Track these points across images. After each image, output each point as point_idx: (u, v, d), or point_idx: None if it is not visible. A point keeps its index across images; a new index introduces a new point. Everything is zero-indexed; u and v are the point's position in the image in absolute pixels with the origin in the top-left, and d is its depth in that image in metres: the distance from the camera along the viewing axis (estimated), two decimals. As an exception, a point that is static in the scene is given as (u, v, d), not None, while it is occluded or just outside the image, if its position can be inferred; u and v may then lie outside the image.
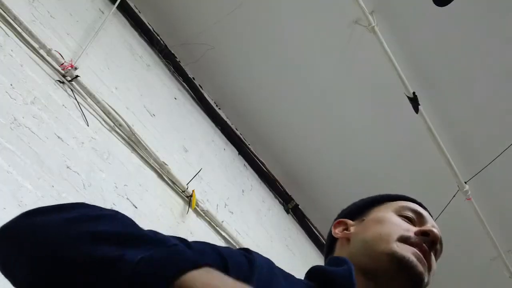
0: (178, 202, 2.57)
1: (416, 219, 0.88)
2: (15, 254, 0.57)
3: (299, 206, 3.70)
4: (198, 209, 2.67)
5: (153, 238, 0.55)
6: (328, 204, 3.70)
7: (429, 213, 0.92)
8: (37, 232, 0.56)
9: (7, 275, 0.59)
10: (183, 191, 2.60)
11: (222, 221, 2.82)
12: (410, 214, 0.88)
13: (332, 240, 0.94)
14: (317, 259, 3.80)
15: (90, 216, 0.58)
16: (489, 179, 3.19)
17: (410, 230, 0.84)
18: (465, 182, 3.17)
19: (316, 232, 3.83)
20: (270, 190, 3.54)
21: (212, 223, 2.76)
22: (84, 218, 0.57)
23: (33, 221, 0.58)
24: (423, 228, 0.84)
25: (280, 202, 3.62)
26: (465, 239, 3.39)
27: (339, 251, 0.90)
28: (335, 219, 0.97)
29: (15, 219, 0.60)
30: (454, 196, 3.17)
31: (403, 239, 0.81)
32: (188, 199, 2.61)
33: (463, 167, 3.15)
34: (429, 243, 0.82)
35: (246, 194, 3.23)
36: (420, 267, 0.78)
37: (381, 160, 3.35)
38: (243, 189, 3.21)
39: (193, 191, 2.62)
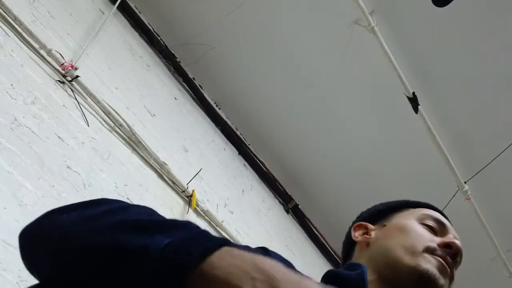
0: (178, 202, 2.57)
1: (438, 229, 0.87)
2: (39, 252, 0.58)
3: (299, 206, 3.70)
4: (198, 209, 2.67)
5: (175, 224, 0.55)
6: (328, 204, 3.71)
7: (450, 222, 0.91)
8: (61, 229, 0.57)
9: (33, 273, 0.60)
10: (183, 191, 2.60)
11: (222, 221, 2.82)
12: (432, 223, 0.87)
13: (350, 243, 0.93)
14: (317, 259, 3.80)
15: (112, 209, 0.58)
16: (489, 179, 3.19)
17: (434, 241, 0.83)
18: (465, 182, 3.17)
19: (316, 232, 3.83)
20: (270, 190, 3.54)
21: (212, 223, 2.76)
22: (106, 211, 0.58)
23: (56, 219, 0.59)
24: (446, 240, 0.84)
25: (280, 202, 3.62)
26: (464, 239, 3.37)
27: (358, 254, 0.89)
28: (354, 221, 0.95)
29: (38, 219, 0.60)
30: (453, 196, 3.17)
31: (429, 251, 0.81)
32: (188, 199, 2.62)
33: (462, 167, 3.15)
34: (451, 255, 0.82)
35: (246, 194, 3.23)
36: (442, 281, 0.78)
37: (381, 160, 3.35)
38: (243, 189, 3.21)
39: (193, 191, 2.62)
